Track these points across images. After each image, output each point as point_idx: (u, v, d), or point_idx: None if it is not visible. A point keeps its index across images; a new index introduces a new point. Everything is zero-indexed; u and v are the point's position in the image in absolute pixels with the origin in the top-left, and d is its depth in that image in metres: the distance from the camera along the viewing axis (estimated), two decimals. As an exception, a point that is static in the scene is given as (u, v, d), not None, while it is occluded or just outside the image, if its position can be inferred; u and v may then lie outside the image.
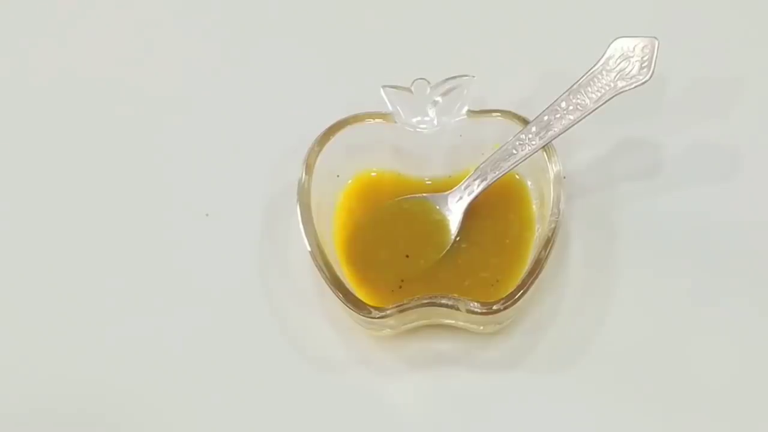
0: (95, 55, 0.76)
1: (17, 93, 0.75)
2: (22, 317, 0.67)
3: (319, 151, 0.64)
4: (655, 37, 0.62)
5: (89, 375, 0.65)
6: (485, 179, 0.64)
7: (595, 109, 0.62)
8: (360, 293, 0.62)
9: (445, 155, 0.67)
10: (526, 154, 0.63)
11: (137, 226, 0.69)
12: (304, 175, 0.63)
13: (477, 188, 0.64)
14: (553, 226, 0.61)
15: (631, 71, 0.62)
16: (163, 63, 0.75)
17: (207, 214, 0.69)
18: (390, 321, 0.61)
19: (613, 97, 0.62)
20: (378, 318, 0.60)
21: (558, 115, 0.63)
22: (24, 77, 0.76)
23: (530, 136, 0.63)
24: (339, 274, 0.61)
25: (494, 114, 0.66)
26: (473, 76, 0.65)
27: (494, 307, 0.60)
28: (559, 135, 0.63)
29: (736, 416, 0.62)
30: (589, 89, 0.63)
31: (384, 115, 0.66)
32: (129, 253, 0.68)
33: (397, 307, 0.60)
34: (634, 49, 0.62)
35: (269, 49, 0.75)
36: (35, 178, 0.71)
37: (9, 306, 0.67)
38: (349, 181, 0.67)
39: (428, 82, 0.65)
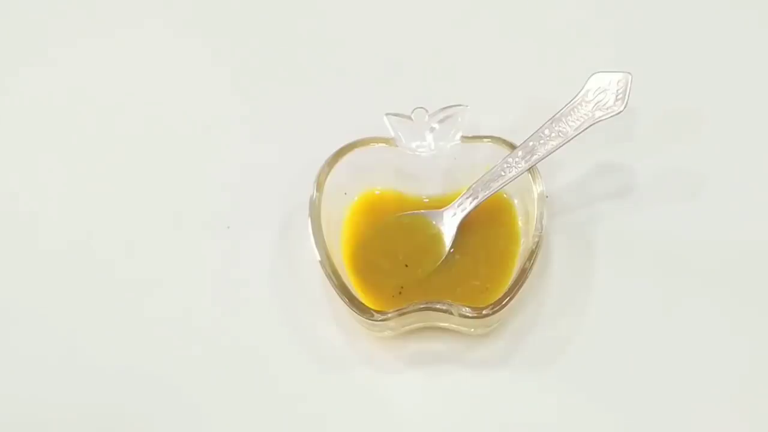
0: (125, 74, 0.76)
1: (43, 109, 0.75)
2: (44, 330, 0.66)
3: (329, 171, 0.64)
4: (629, 72, 0.62)
5: (110, 372, 0.64)
6: (476, 197, 0.64)
7: (575, 136, 0.63)
8: (364, 298, 0.62)
9: (441, 176, 0.67)
10: (513, 175, 0.63)
11: (166, 236, 0.69)
12: (315, 192, 0.63)
13: (469, 205, 0.64)
14: (536, 240, 0.61)
15: (607, 102, 0.62)
16: (192, 93, 0.75)
17: (228, 227, 0.68)
18: (390, 323, 0.61)
19: (591, 125, 0.62)
20: (380, 321, 0.60)
21: (542, 141, 0.63)
22: (50, 94, 0.75)
23: (517, 159, 0.63)
24: (345, 281, 0.61)
25: (485, 139, 0.65)
26: (467, 106, 0.65)
27: (484, 312, 0.60)
28: (543, 159, 0.63)
29: (701, 408, 0.62)
30: (570, 118, 0.63)
31: (387, 140, 0.65)
32: (157, 258, 0.68)
33: (397, 311, 0.60)
34: (610, 82, 0.62)
35: (287, 80, 0.75)
36: (63, 195, 0.71)
37: (36, 318, 0.66)
38: (356, 199, 0.66)
39: (426, 111, 0.65)
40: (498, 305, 0.60)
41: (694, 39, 0.75)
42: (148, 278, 0.67)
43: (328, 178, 0.64)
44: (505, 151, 0.64)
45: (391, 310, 0.60)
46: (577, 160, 0.68)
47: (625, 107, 0.62)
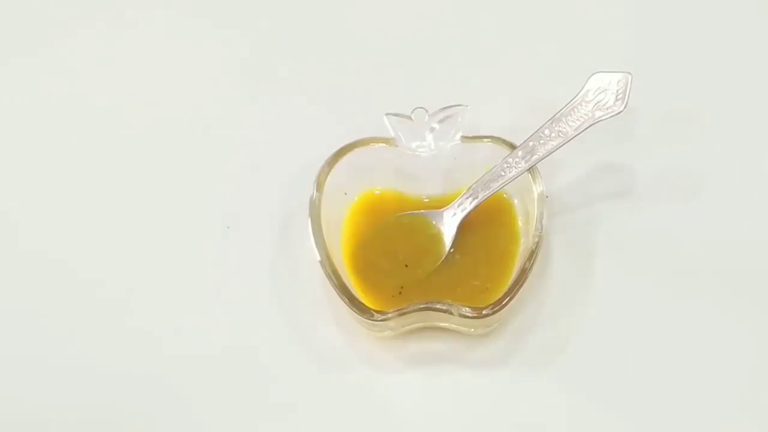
0: (125, 75, 0.75)
1: (42, 108, 0.74)
2: (45, 331, 0.66)
3: (329, 171, 0.64)
4: (629, 72, 0.62)
5: (110, 372, 0.64)
6: (476, 197, 0.64)
7: (575, 136, 0.62)
8: (364, 299, 0.61)
9: (441, 176, 0.67)
10: (513, 175, 0.63)
11: (166, 235, 0.68)
12: (315, 192, 0.63)
13: (469, 206, 0.64)
14: (536, 240, 0.61)
15: (607, 102, 0.62)
16: (191, 93, 0.74)
17: (228, 227, 0.68)
18: (390, 323, 0.61)
19: (591, 125, 0.62)
20: (380, 321, 0.60)
21: (542, 141, 0.63)
22: (49, 93, 0.75)
23: (517, 159, 0.63)
24: (345, 281, 0.61)
25: (485, 139, 0.65)
26: (467, 106, 0.65)
27: (484, 312, 0.60)
28: (543, 159, 0.63)
29: (701, 409, 0.62)
30: (570, 118, 0.63)
31: (387, 140, 0.65)
32: (157, 259, 0.68)
33: (397, 311, 0.60)
34: (610, 82, 0.62)
35: (287, 80, 0.74)
36: (63, 194, 0.71)
37: (36, 317, 0.66)
38: (356, 199, 0.66)
39: (426, 111, 0.65)
40: (498, 305, 0.60)
41: (694, 39, 0.74)
42: (148, 278, 0.67)
43: (328, 178, 0.64)
44: (505, 151, 0.64)
45: (391, 310, 0.60)
46: (577, 160, 0.68)
47: (625, 107, 0.62)
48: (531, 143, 0.63)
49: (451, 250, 0.64)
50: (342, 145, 0.65)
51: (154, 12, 0.78)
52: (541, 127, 0.63)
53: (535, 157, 0.63)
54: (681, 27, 0.75)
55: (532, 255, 0.61)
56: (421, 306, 0.60)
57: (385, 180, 0.67)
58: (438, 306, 0.60)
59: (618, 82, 0.62)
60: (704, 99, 0.72)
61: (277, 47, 0.76)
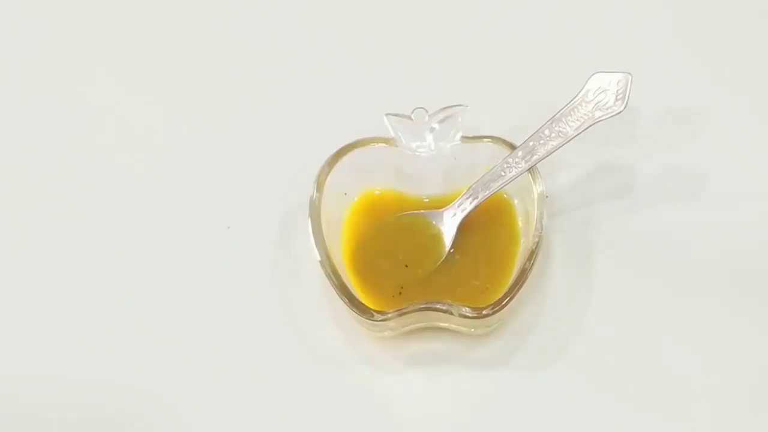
0: (125, 75, 0.75)
1: (43, 108, 0.74)
2: (52, 334, 0.66)
3: (329, 171, 0.64)
4: (629, 72, 0.62)
5: (109, 372, 0.64)
6: (476, 198, 0.64)
7: (575, 136, 0.62)
8: (364, 299, 0.61)
9: (441, 176, 0.67)
10: (513, 175, 0.63)
11: (166, 235, 0.68)
12: (315, 192, 0.63)
13: (469, 206, 0.64)
14: (536, 240, 0.61)
15: (607, 102, 0.62)
16: (192, 93, 0.74)
17: (228, 227, 0.68)
18: (391, 323, 0.61)
19: (592, 125, 0.62)
20: (380, 321, 0.60)
21: (542, 141, 0.63)
22: (49, 92, 0.75)
23: (517, 159, 0.63)
24: (345, 281, 0.61)
25: (485, 140, 0.65)
26: (467, 106, 0.65)
27: (484, 312, 0.59)
28: (543, 159, 0.63)
29: (701, 409, 0.62)
30: (570, 118, 0.62)
31: (387, 140, 0.65)
32: (157, 260, 0.68)
33: (397, 311, 0.60)
34: (610, 82, 0.62)
35: (287, 80, 0.74)
36: (63, 194, 0.71)
37: (36, 317, 0.66)
38: (356, 199, 0.66)
39: (426, 111, 0.65)
40: (498, 305, 0.59)
41: (694, 39, 0.75)
42: (148, 278, 0.67)
43: (328, 178, 0.64)
44: (505, 151, 0.64)
45: (391, 310, 0.60)
46: (577, 160, 0.68)
47: (625, 107, 0.62)
48: (531, 143, 0.63)
49: (451, 250, 0.64)
50: (342, 145, 0.65)
51: (156, 15, 0.78)
52: (541, 127, 0.63)
53: (535, 157, 0.63)
54: (681, 27, 0.75)
55: (532, 255, 0.61)
56: (421, 306, 0.60)
57: (385, 180, 0.67)
58: (438, 306, 0.60)
59: (618, 82, 0.62)
60: (704, 99, 0.72)
61: (277, 47, 0.76)
